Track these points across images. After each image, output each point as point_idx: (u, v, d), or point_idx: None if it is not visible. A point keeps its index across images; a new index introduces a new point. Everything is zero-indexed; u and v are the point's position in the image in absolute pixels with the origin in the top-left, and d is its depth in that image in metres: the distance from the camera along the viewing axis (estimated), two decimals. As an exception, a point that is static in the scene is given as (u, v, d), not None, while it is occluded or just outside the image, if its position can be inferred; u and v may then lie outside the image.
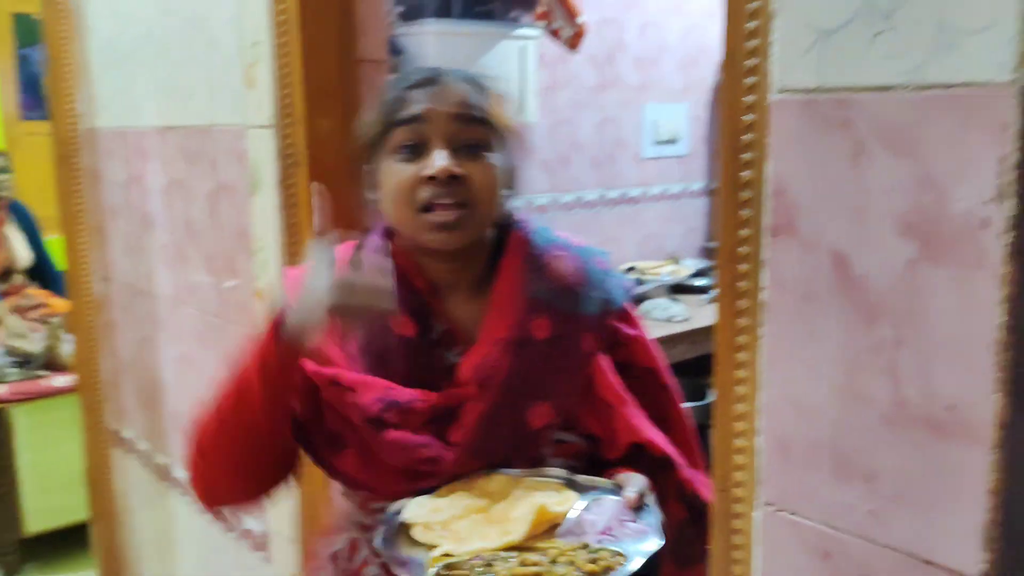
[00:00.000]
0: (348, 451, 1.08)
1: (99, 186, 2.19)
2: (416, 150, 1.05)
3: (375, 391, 1.06)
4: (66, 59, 2.15)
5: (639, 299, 1.22)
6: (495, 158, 1.07)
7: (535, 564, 0.91)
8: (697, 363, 3.05)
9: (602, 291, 1.14)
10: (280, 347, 0.99)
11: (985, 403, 0.67)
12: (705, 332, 2.94)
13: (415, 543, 0.99)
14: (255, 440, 1.07)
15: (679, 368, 2.99)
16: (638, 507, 1.00)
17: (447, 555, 0.95)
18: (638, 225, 3.49)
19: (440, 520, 1.00)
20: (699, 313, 3.04)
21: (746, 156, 0.81)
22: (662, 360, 1.20)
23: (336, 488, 1.20)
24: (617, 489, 1.04)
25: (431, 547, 0.97)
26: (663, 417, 1.16)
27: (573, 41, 2.86)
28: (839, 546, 0.77)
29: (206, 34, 1.66)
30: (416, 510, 1.02)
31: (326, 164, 1.48)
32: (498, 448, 1.07)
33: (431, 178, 1.03)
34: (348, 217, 1.47)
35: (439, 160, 1.03)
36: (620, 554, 0.93)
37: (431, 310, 1.13)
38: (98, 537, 2.43)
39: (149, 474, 2.19)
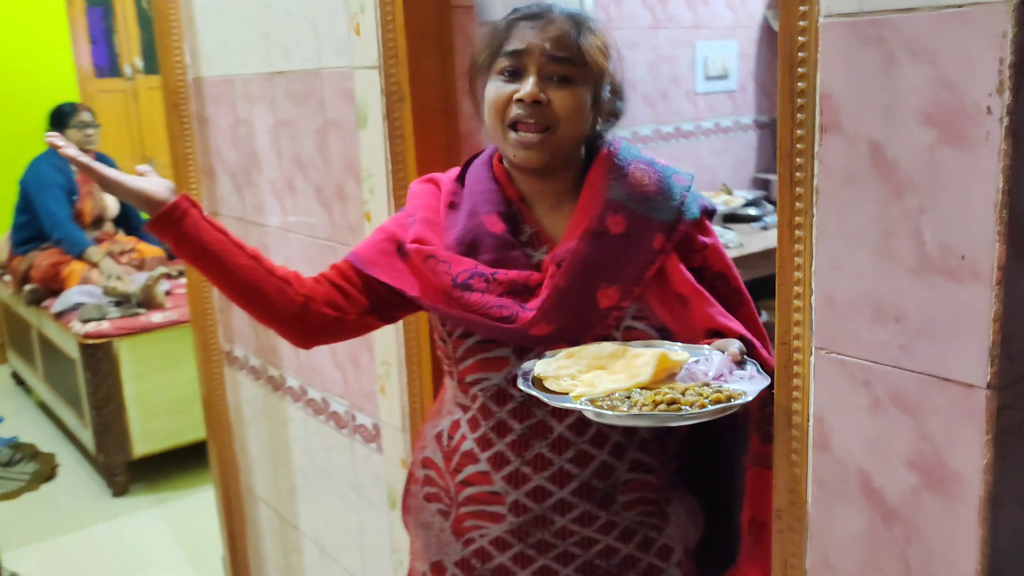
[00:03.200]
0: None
1: (207, 130, 2.43)
2: (515, 74, 1.25)
3: (464, 265, 1.28)
4: (172, 14, 2.38)
5: (710, 213, 1.39)
6: (583, 90, 1.25)
7: (667, 394, 1.05)
8: (750, 287, 3.24)
9: (678, 201, 1.30)
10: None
11: (988, 251, 0.87)
12: (757, 257, 3.11)
13: (549, 392, 1.13)
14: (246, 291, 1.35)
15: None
16: (740, 362, 1.16)
17: (584, 395, 1.09)
18: (692, 158, 3.65)
19: (568, 373, 1.15)
20: (751, 240, 3.21)
21: (801, 70, 1.01)
22: (735, 269, 1.37)
23: (445, 377, 1.43)
24: (718, 350, 1.19)
25: (566, 393, 1.11)
26: (736, 316, 1.31)
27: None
28: (877, 375, 0.98)
29: (310, -12, 1.88)
30: (544, 367, 1.17)
31: (426, 99, 1.69)
32: (568, 318, 1.24)
33: (520, 100, 1.24)
34: (446, 146, 1.71)
35: (528, 86, 1.23)
36: (739, 390, 1.08)
37: (521, 215, 1.34)
38: (214, 452, 2.71)
39: (261, 387, 2.46)
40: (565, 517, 1.31)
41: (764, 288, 3.53)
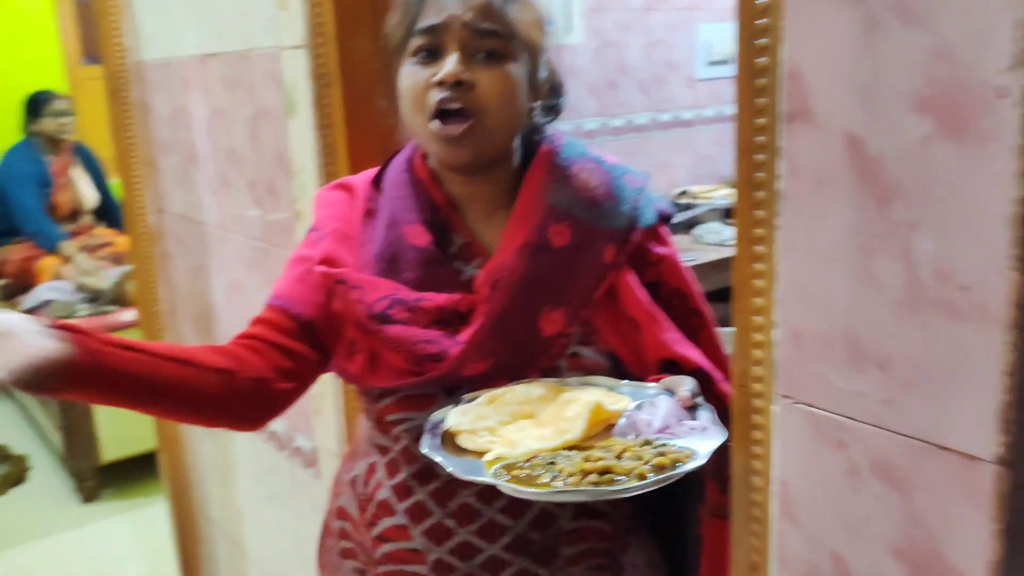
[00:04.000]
0: (359, 356, 1.10)
1: (149, 119, 2.23)
2: (433, 54, 1.04)
3: (382, 290, 1.07)
4: (111, -6, 2.18)
5: (667, 219, 1.17)
6: (515, 69, 1.05)
7: (600, 459, 0.87)
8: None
9: (631, 207, 1.11)
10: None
11: (1000, 282, 0.65)
12: (758, 256, 2.90)
13: (461, 451, 0.94)
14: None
15: (730, 293, 2.96)
16: (691, 407, 0.97)
17: (501, 458, 0.91)
18: (691, 149, 3.42)
19: (486, 426, 0.96)
20: (752, 237, 2.99)
21: (761, 41, 0.79)
22: (695, 284, 1.16)
23: (360, 413, 1.22)
24: (666, 392, 1.00)
25: (480, 453, 0.93)
26: (694, 339, 1.11)
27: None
28: (854, 436, 0.76)
29: (239, -42, 1.66)
30: (459, 418, 0.98)
31: (359, 84, 1.48)
32: (506, 351, 1.05)
33: (440, 83, 1.02)
34: (383, 137, 1.49)
35: (448, 65, 1.02)
36: (687, 449, 0.89)
37: (449, 223, 1.13)
38: (165, 463, 2.53)
39: (208, 399, 2.26)
40: None
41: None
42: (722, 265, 2.78)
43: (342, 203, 1.18)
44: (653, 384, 1.03)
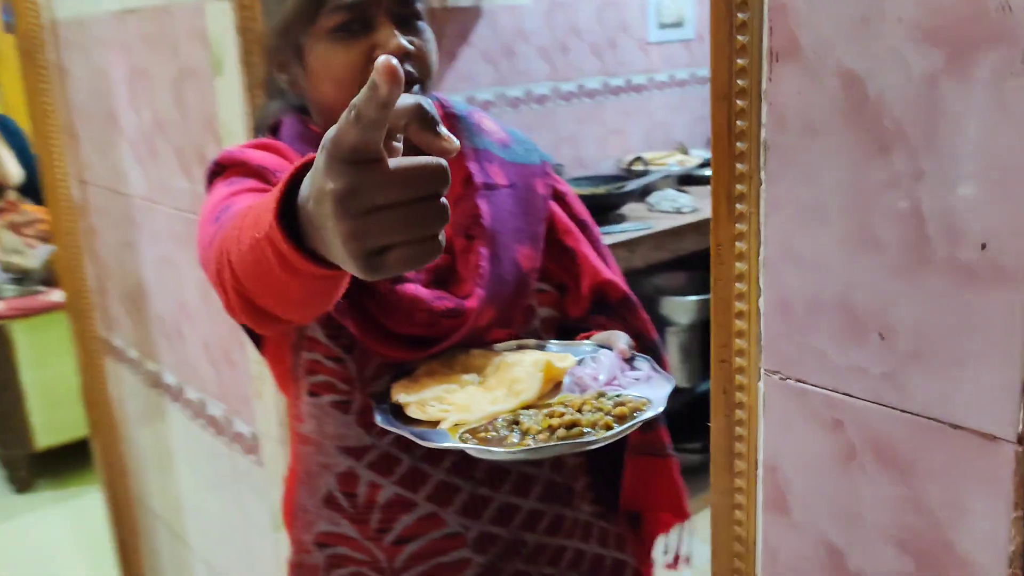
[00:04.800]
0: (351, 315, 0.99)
1: (66, 83, 2.07)
2: (357, 30, 0.97)
3: None
4: (21, -53, 2.01)
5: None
6: (428, 30, 1.02)
7: (562, 415, 0.84)
8: (705, 255, 2.94)
9: (532, 144, 1.14)
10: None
11: (1021, 239, 0.56)
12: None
13: (413, 422, 0.90)
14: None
15: (686, 261, 2.89)
16: (629, 358, 0.97)
17: (462, 423, 0.87)
18: (644, 114, 3.33)
19: (434, 396, 0.92)
20: (707, 204, 2.92)
21: (741, -32, 0.69)
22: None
23: (303, 421, 1.09)
24: (600, 347, 1.00)
25: (435, 422, 0.89)
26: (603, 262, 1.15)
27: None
28: (852, 414, 0.68)
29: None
30: (403, 393, 0.93)
31: (291, 38, 1.36)
32: (505, 293, 1.02)
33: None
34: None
35: (394, 38, 0.96)
36: (642, 398, 0.87)
37: None
38: (99, 450, 2.39)
39: (141, 382, 2.13)
40: (536, 531, 1.09)
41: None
42: (679, 233, 2.71)
43: (279, 160, 1.06)
44: (585, 343, 1.03)
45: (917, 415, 0.64)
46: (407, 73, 0.95)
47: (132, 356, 2.13)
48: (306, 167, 0.61)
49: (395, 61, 0.50)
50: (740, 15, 0.70)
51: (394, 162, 0.53)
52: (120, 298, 2.11)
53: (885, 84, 0.61)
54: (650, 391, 0.90)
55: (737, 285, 0.75)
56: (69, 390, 3.50)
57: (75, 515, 3.29)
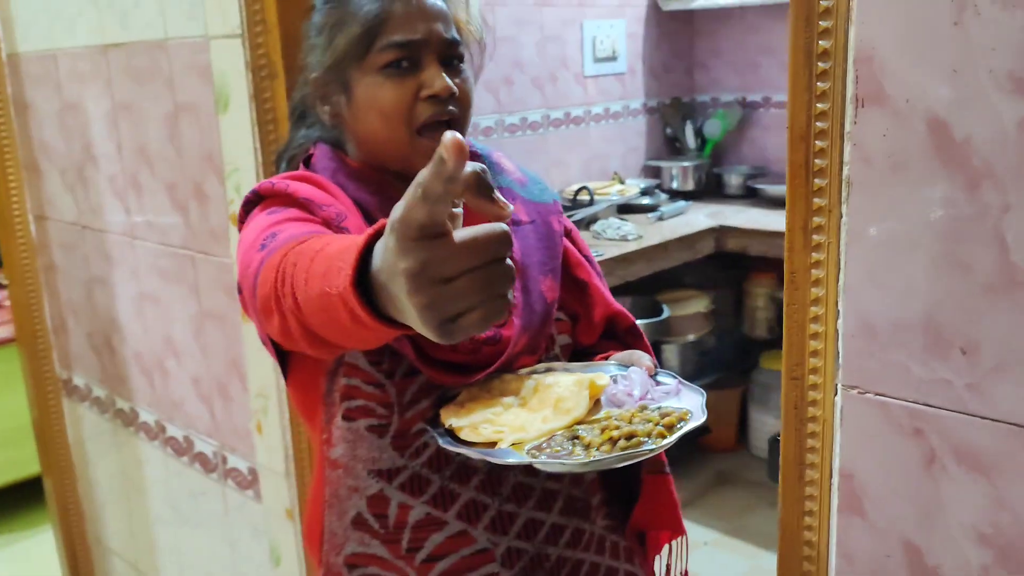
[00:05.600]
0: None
1: (28, 117, 2.02)
2: (406, 67, 1.02)
3: None
4: (-21, -22, 1.96)
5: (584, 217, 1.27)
6: (468, 70, 1.08)
7: (617, 427, 0.88)
8: (653, 280, 3.06)
9: (544, 184, 1.19)
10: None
11: (1103, 262, 0.65)
12: (658, 249, 2.94)
13: (469, 445, 0.93)
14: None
15: (636, 286, 2.99)
16: (653, 375, 1.01)
17: (522, 442, 0.90)
18: (583, 146, 3.43)
19: (483, 419, 0.95)
20: (649, 231, 3.03)
21: (824, 24, 0.77)
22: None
23: (333, 447, 1.11)
24: (623, 367, 1.04)
25: (491, 443, 0.91)
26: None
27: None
28: (933, 423, 0.76)
29: (152, -61, 1.52)
30: (454, 418, 0.96)
31: (303, 75, 1.38)
32: (535, 322, 1.06)
33: (432, 96, 1.02)
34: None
35: (440, 79, 1.02)
36: (682, 409, 0.91)
37: None
38: (52, 491, 2.31)
39: (108, 422, 2.07)
40: (559, 545, 1.12)
41: (661, 282, 3.34)
42: (628, 259, 2.81)
43: (323, 194, 1.08)
44: (608, 362, 1.06)
45: (1000, 421, 0.72)
46: (448, 112, 1.02)
47: (98, 394, 2.08)
48: (378, 234, 0.64)
49: (460, 136, 0.53)
50: (821, 64, 0.77)
51: (459, 234, 0.57)
52: (87, 336, 2.06)
53: (974, 128, 0.69)
54: (686, 402, 0.94)
55: (812, 309, 0.82)
56: (9, 428, 3.35)
57: (8, 562, 3.13)
